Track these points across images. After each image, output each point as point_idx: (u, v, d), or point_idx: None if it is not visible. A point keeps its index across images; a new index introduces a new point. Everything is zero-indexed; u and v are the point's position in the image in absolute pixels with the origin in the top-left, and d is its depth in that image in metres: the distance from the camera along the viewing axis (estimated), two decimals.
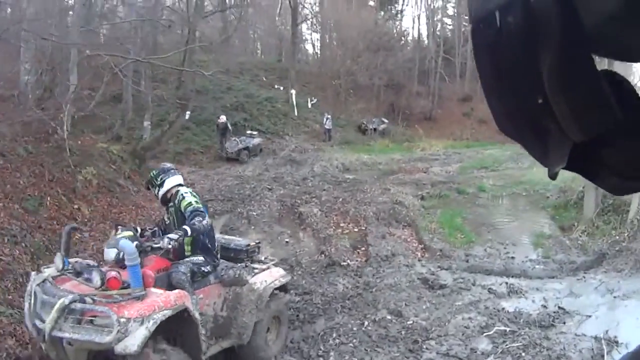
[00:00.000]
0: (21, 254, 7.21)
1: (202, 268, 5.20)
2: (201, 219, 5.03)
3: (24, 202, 8.26)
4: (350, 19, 32.29)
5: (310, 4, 40.23)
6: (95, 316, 4.31)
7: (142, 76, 18.97)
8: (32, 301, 4.72)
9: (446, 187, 14.67)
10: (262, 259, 6.29)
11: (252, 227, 10.70)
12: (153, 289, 4.60)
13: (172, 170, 5.42)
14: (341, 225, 11.05)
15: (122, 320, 4.21)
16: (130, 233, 5.05)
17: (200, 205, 5.14)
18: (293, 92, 26.86)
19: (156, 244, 4.90)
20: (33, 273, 5.10)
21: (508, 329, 6.30)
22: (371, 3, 39.21)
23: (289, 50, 32.37)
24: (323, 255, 9.18)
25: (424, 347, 6.04)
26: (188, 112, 18.18)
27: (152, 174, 5.47)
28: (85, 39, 14.22)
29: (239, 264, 5.81)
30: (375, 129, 27.45)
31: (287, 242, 9.97)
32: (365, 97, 31.62)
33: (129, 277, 4.53)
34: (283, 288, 6.06)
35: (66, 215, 8.74)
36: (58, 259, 4.89)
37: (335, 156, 20.11)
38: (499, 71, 0.56)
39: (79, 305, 4.32)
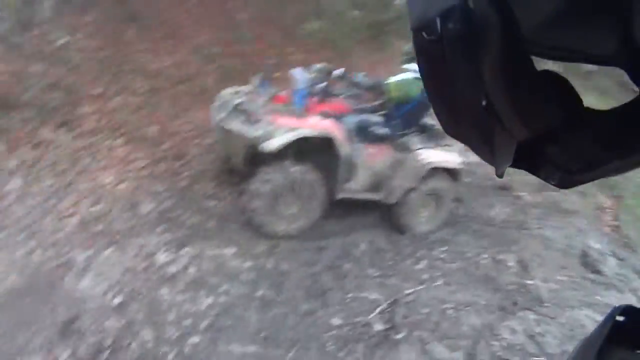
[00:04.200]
0: (210, 73, 8.13)
1: (375, 127, 5.77)
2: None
3: (231, 33, 8.84)
4: None
5: None
6: (258, 119, 5.30)
7: None
8: (221, 102, 5.77)
9: None
10: (444, 143, 6.20)
11: None
12: (313, 114, 5.49)
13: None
14: None
15: (273, 125, 5.25)
16: (320, 75, 5.72)
17: (390, 89, 5.81)
18: None
19: (337, 90, 5.92)
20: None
21: None
22: None
23: None
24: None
25: None
26: None
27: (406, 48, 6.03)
28: None
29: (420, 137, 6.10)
30: None
31: None
32: None
33: (294, 97, 5.53)
34: (452, 173, 6.21)
35: (276, 54, 9.08)
36: (256, 79, 5.85)
37: None
38: (442, 76, 0.57)
39: (245, 106, 5.44)
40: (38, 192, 5.50)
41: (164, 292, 4.80)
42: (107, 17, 7.99)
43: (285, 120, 5.34)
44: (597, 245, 7.20)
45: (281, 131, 5.25)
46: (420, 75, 0.59)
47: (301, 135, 5.29)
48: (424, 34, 0.55)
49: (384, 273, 5.65)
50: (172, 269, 5.10)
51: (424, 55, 0.57)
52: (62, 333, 4.02)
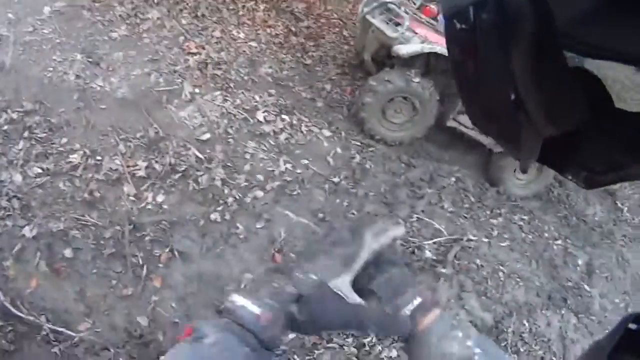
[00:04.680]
0: None
1: None
2: None
3: None
4: None
5: None
6: (400, 23, 5.34)
7: None
8: None
9: None
10: None
11: None
12: None
13: None
14: None
15: (410, 31, 5.26)
16: None
17: None
18: None
19: None
20: None
21: None
22: None
23: None
24: None
25: None
26: None
27: None
28: None
29: None
30: None
31: None
32: None
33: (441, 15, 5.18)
34: None
35: None
36: None
37: None
38: (472, 67, 0.55)
39: (393, 7, 5.49)
40: (174, 26, 5.91)
41: (251, 145, 5.06)
42: None
43: (425, 32, 5.31)
44: None
45: (417, 40, 5.24)
46: (450, 63, 0.59)
47: (434, 50, 5.26)
48: (456, 22, 0.54)
49: (458, 212, 5.49)
50: (267, 128, 5.33)
51: (455, 45, 0.57)
52: (147, 146, 4.47)
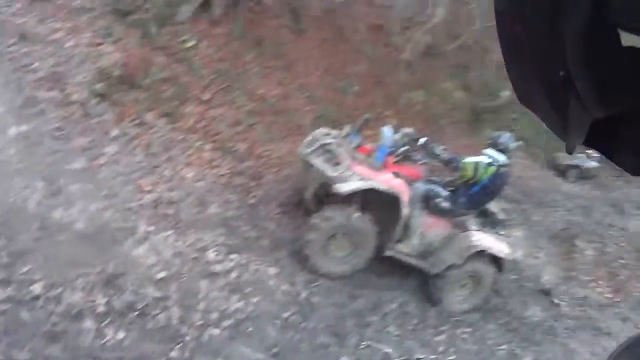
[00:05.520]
0: (309, 112, 8.66)
1: (440, 200, 5.93)
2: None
3: (339, 82, 9.40)
4: None
5: None
6: (339, 162, 5.69)
7: None
8: (312, 138, 6.20)
9: None
10: (500, 232, 6.36)
11: (522, 226, 9.39)
12: (387, 172, 5.81)
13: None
14: (599, 281, 9.04)
15: (349, 170, 5.61)
16: (405, 139, 6.06)
17: (465, 168, 5.81)
18: None
19: (416, 157, 6.12)
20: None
21: None
22: None
23: None
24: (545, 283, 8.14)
25: None
26: None
27: (491, 134, 6.37)
28: None
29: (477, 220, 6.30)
30: None
31: (537, 256, 8.61)
32: None
33: (377, 152, 5.89)
34: (495, 260, 6.23)
35: (372, 113, 9.47)
36: (348, 128, 6.32)
37: None
38: (521, 40, 0.53)
39: (332, 148, 5.84)
40: (127, 163, 6.05)
41: (204, 283, 5.10)
42: (235, 35, 8.75)
43: (362, 170, 5.71)
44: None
45: (355, 178, 5.61)
46: (499, 36, 0.57)
47: (371, 187, 5.63)
48: None
49: (404, 334, 5.72)
50: (217, 267, 5.42)
51: (504, 16, 0.55)
52: (105, 283, 4.38)
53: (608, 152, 0.58)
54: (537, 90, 0.55)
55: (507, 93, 15.97)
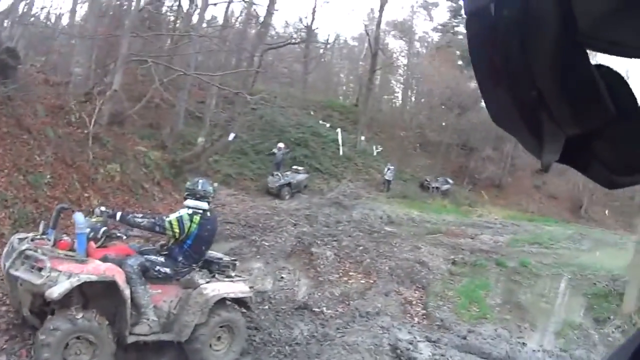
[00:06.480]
0: (4, 218, 7.61)
1: (158, 267, 5.74)
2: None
3: (29, 176, 8.48)
4: (435, 74, 31.98)
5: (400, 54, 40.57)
6: (41, 266, 5.15)
7: (212, 95, 19.10)
8: (9, 249, 5.58)
9: (485, 256, 13.36)
10: (233, 274, 6.43)
11: (257, 257, 10.25)
12: (94, 260, 5.43)
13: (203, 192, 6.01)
14: (350, 273, 10.42)
15: (54, 271, 5.11)
16: (101, 218, 5.81)
17: (170, 226, 5.74)
18: (339, 130, 26.60)
19: (119, 233, 6.06)
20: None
21: None
22: (460, 62, 38.67)
23: (364, 95, 31.94)
24: (301, 297, 8.69)
25: None
26: (232, 134, 17.92)
27: (187, 185, 6.33)
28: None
29: (203, 272, 6.25)
30: (437, 188, 25.90)
31: (282, 277, 9.36)
32: (434, 154, 30.74)
33: (76, 243, 5.44)
34: (243, 303, 6.33)
35: (71, 199, 8.79)
36: (42, 226, 5.83)
37: (385, 207, 19.18)
38: (493, 64, 0.55)
39: (30, 253, 5.29)
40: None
41: None
42: None
43: (67, 266, 5.22)
44: (407, 336, 7.77)
45: (63, 278, 5.13)
46: (472, 61, 0.57)
47: (81, 281, 5.20)
48: (477, 19, 0.54)
49: None
50: None
51: (477, 41, 0.56)
52: None
53: (582, 168, 0.61)
54: (511, 111, 0.56)
55: (201, 139, 16.79)
